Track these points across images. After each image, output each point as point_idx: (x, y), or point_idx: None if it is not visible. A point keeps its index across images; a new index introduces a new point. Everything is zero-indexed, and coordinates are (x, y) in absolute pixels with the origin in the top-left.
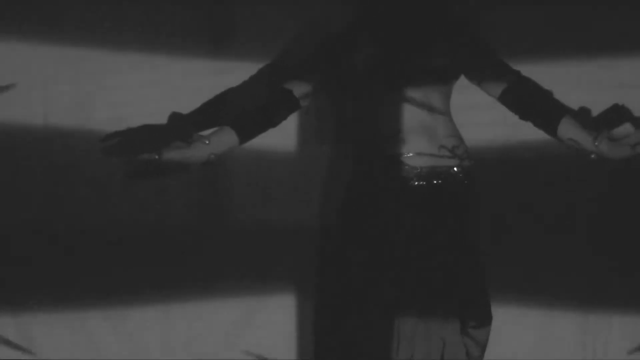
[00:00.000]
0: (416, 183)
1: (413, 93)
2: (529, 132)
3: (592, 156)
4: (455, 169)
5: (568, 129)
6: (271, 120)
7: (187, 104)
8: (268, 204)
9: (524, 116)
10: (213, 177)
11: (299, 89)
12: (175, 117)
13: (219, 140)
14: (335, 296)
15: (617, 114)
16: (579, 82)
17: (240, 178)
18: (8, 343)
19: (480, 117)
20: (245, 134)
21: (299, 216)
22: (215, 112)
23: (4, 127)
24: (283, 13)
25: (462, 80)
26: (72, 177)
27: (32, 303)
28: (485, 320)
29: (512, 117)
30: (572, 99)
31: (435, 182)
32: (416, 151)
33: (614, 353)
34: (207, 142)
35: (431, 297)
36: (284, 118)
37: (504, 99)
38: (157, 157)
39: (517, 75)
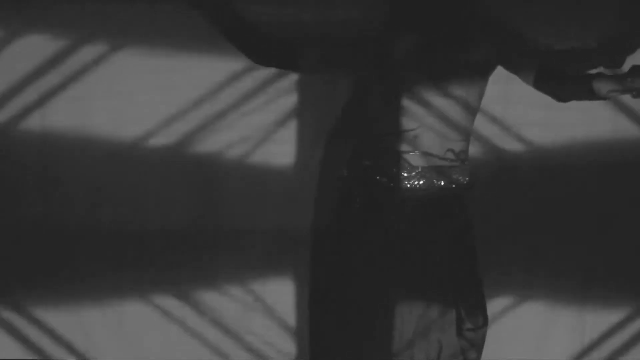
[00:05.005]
0: (416, 182)
1: (452, 87)
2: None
3: (634, 93)
4: (456, 169)
5: (603, 85)
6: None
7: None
8: (267, 205)
9: (561, 94)
10: (212, 181)
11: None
12: None
13: None
14: (333, 298)
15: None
16: None
17: (238, 179)
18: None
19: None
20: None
21: (299, 216)
22: None
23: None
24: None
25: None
26: (71, 179)
27: (30, 302)
28: (481, 322)
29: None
30: None
31: (435, 181)
32: (422, 150)
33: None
34: None
35: (429, 297)
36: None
37: (538, 86)
38: None
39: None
